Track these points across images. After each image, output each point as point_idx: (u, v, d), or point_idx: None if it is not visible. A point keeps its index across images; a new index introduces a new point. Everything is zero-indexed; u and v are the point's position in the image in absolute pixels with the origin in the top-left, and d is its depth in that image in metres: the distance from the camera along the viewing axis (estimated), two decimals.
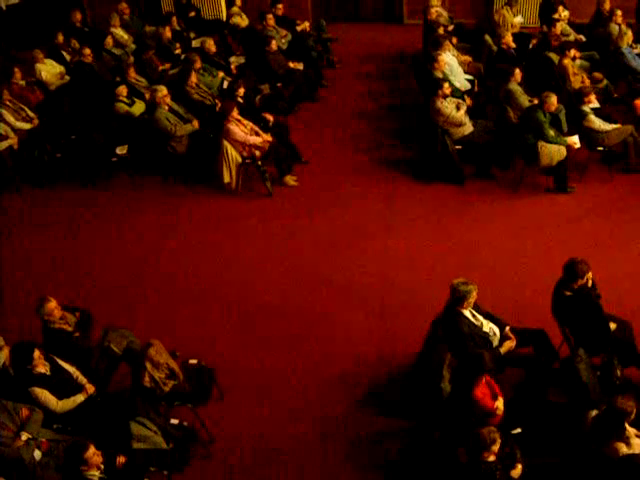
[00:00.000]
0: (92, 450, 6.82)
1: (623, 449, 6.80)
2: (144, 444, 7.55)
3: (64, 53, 15.68)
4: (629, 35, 14.27)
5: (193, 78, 13.65)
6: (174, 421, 7.92)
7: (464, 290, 8.10)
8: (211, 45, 15.20)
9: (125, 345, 8.53)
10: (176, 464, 7.67)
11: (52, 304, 8.48)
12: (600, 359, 8.12)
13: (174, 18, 16.85)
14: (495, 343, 8.26)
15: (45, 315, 8.47)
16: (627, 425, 6.93)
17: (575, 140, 12.07)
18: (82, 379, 8.09)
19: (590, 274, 8.33)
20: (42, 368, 7.88)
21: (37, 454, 7.27)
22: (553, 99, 11.87)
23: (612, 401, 6.97)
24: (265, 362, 9.20)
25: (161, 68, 15.08)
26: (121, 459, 7.18)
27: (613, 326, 8.33)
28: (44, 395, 7.77)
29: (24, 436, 7.36)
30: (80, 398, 7.93)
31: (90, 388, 8.03)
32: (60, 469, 7.06)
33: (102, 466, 6.96)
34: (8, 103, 13.08)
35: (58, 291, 9.41)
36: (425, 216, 11.81)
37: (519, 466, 6.95)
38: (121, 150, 12.92)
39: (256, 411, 8.54)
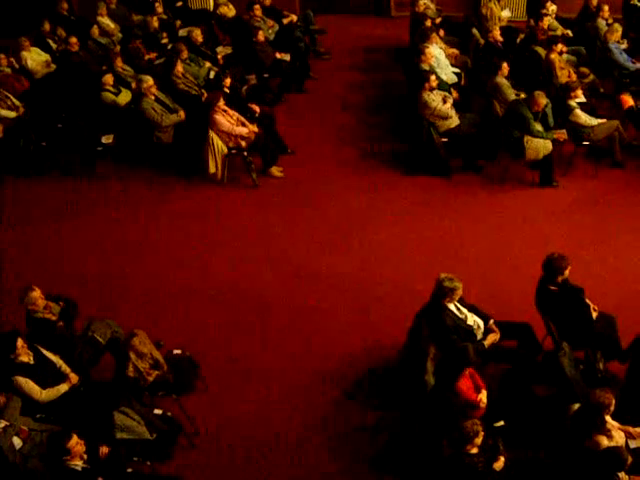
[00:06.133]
0: (75, 439, 6.82)
1: (604, 442, 6.84)
2: (127, 434, 7.54)
3: (50, 41, 15.59)
4: (619, 33, 14.30)
5: (179, 68, 13.60)
6: (158, 411, 7.92)
7: (449, 286, 8.13)
8: (198, 35, 15.14)
9: (109, 335, 8.53)
10: (159, 454, 7.67)
11: (36, 293, 8.46)
12: (583, 353, 8.16)
13: (157, 5, 16.70)
14: (479, 336, 8.29)
15: (29, 304, 8.45)
16: (609, 418, 6.98)
17: (562, 131, 12.11)
18: (66, 369, 8.07)
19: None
20: (25, 357, 7.86)
21: (17, 441, 7.23)
22: (541, 100, 11.83)
23: (590, 395, 7.02)
24: (249, 354, 9.20)
25: (147, 57, 15.03)
26: (104, 449, 7.17)
27: (595, 314, 8.40)
28: (27, 384, 7.74)
29: (1, 423, 7.32)
30: (64, 388, 7.92)
31: (74, 378, 8.01)
32: (43, 458, 7.05)
33: (85, 456, 6.96)
34: None
35: (43, 281, 9.33)
36: (411, 208, 11.82)
37: (502, 458, 6.99)
38: (107, 139, 12.87)
39: (240, 402, 8.54)
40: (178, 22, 17.16)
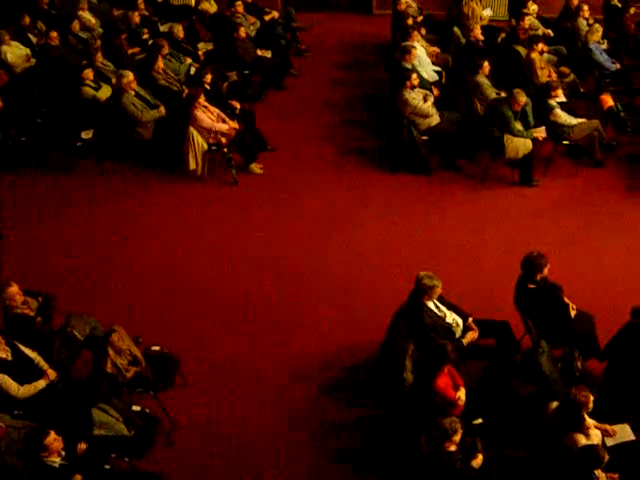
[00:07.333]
0: (52, 436, 6.79)
1: (582, 440, 6.88)
2: (105, 431, 7.52)
3: (30, 35, 15.48)
4: (600, 33, 14.37)
5: (160, 64, 13.53)
6: (136, 408, 7.89)
7: (428, 284, 8.15)
8: (179, 31, 15.10)
9: (88, 331, 8.48)
10: (138, 451, 7.64)
11: (14, 289, 8.41)
12: (562, 351, 8.20)
13: (140, 1, 16.65)
14: (458, 334, 8.32)
15: (6, 300, 8.40)
16: (586, 416, 7.01)
17: (541, 129, 12.15)
18: (44, 365, 8.02)
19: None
20: (3, 353, 7.81)
21: None
22: (522, 99, 11.88)
23: (567, 393, 7.06)
24: (228, 350, 9.19)
25: (130, 51, 14.99)
26: (82, 446, 7.15)
27: (574, 312, 8.43)
28: (5, 380, 7.69)
29: None
30: (41, 384, 7.87)
31: (52, 374, 7.96)
32: (20, 455, 7.01)
33: (63, 452, 6.93)
34: None
35: (21, 276, 9.29)
36: (391, 206, 11.84)
37: (480, 456, 7.01)
38: (86, 134, 12.80)
39: (219, 399, 8.54)
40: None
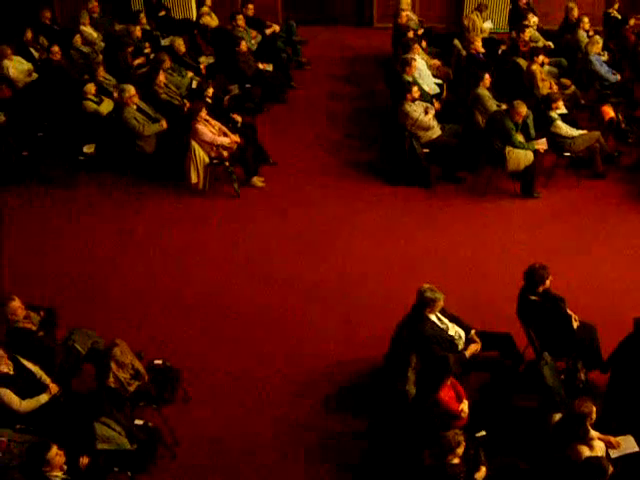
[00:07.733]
0: (55, 450, 6.77)
1: (586, 452, 6.86)
2: (108, 445, 7.50)
3: (32, 50, 15.53)
4: (600, 44, 14.39)
5: (161, 77, 13.57)
6: (139, 422, 7.86)
7: (430, 297, 8.14)
8: (180, 45, 15.15)
9: (90, 345, 8.48)
10: (140, 465, 7.63)
11: (16, 303, 8.40)
12: (564, 363, 8.19)
13: (142, 15, 16.75)
14: (460, 346, 8.30)
15: (9, 314, 8.38)
16: (590, 427, 6.99)
17: (542, 141, 12.16)
18: (46, 379, 8.01)
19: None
20: (5, 367, 7.79)
21: None
22: (522, 110, 11.90)
23: (571, 404, 7.04)
24: (230, 363, 9.17)
25: (137, 62, 15.05)
26: (84, 460, 7.13)
27: (576, 323, 8.42)
28: (7, 395, 7.68)
29: None
30: (44, 398, 7.86)
31: (54, 388, 7.96)
32: (22, 469, 6.99)
33: (65, 467, 6.91)
34: None
35: (23, 290, 9.28)
36: (392, 218, 11.84)
37: (483, 469, 6.99)
38: (88, 149, 12.84)
39: (221, 412, 8.52)
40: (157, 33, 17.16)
